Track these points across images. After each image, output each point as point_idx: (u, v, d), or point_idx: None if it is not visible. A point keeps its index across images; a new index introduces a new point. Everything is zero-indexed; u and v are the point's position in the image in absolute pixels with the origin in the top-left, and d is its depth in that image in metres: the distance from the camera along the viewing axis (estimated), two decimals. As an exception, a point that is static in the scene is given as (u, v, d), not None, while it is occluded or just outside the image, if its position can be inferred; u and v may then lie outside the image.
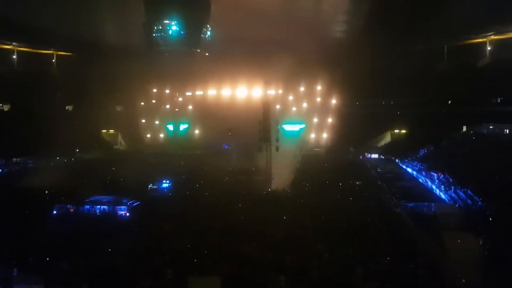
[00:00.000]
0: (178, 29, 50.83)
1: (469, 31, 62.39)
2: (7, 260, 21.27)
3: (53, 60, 75.70)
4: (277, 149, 45.17)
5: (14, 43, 67.34)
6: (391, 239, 24.67)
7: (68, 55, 75.36)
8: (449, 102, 66.49)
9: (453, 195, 35.25)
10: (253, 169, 50.75)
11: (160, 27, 50.71)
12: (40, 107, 61.04)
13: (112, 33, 57.51)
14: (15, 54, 69.16)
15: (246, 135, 64.32)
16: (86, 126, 59.66)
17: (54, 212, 31.88)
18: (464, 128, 58.04)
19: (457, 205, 32.45)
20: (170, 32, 50.84)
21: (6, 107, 65.11)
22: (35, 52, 71.99)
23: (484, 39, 66.67)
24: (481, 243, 22.39)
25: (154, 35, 50.69)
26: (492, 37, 66.01)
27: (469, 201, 32.70)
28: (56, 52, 75.08)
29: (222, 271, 19.56)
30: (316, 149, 64.98)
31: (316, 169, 52.09)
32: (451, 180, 38.49)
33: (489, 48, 67.81)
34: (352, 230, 26.28)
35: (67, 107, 71.43)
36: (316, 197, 36.19)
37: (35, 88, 62.88)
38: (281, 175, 43.45)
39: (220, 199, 35.65)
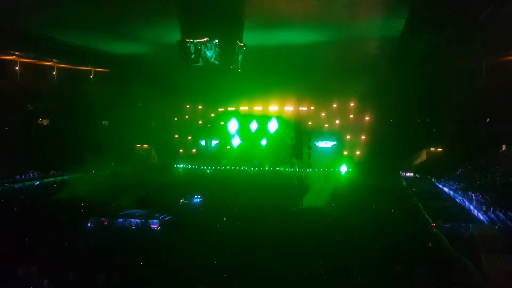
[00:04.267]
0: (212, 46, 51.63)
1: (508, 47, 60.55)
2: (40, 271, 21.66)
3: (91, 76, 77.95)
4: (309, 165, 45.05)
5: (54, 60, 69.67)
6: (427, 260, 23.89)
7: (105, 71, 77.44)
8: (488, 119, 64.50)
9: (492, 216, 33.88)
10: (284, 185, 50.62)
11: (195, 45, 51.66)
12: (78, 122, 63.09)
13: (148, 50, 58.96)
14: (55, 70, 71.53)
15: (277, 151, 64.64)
16: (121, 140, 61.07)
17: (89, 224, 32.49)
18: (504, 147, 56.07)
19: (496, 227, 31.15)
20: (205, 49, 51.68)
21: (45, 122, 67.35)
22: (74, 69, 74.34)
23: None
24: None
25: (188, 52, 51.65)
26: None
27: (509, 222, 31.36)
28: (94, 69, 77.32)
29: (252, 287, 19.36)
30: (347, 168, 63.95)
31: (348, 186, 51.31)
32: (489, 201, 37.08)
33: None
34: (386, 250, 25.63)
35: (103, 122, 73.32)
36: (348, 215, 35.59)
37: (73, 103, 64.98)
38: (312, 192, 43.11)
39: (251, 214, 35.59)
